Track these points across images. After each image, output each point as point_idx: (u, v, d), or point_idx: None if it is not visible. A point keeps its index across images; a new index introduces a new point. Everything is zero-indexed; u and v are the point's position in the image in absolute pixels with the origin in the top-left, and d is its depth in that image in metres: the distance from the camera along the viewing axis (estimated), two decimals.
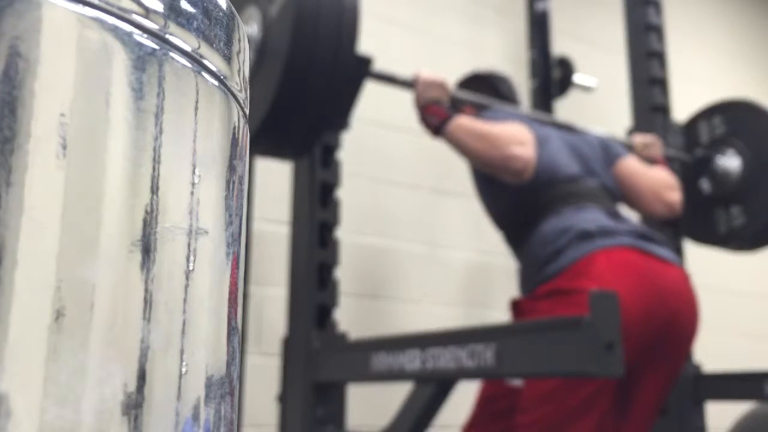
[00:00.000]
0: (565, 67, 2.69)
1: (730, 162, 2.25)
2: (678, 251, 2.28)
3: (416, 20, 2.73)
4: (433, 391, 1.37)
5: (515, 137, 1.67)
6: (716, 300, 3.24)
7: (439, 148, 2.69)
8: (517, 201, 1.75)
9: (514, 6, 2.94)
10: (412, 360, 1.38)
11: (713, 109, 2.36)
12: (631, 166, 1.87)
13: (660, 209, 1.87)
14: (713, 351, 2.62)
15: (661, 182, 1.88)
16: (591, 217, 1.64)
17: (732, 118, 2.30)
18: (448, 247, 2.60)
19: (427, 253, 2.55)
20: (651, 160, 1.99)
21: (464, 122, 1.69)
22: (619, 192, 1.85)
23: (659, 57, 2.40)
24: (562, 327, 1.15)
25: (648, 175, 1.88)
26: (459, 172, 2.71)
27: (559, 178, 1.72)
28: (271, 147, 1.69)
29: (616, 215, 1.70)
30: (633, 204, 1.90)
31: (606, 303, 1.12)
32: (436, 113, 1.70)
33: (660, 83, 2.35)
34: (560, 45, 2.86)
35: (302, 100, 1.50)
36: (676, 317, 1.58)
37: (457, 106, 1.84)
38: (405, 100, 2.62)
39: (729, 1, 3.92)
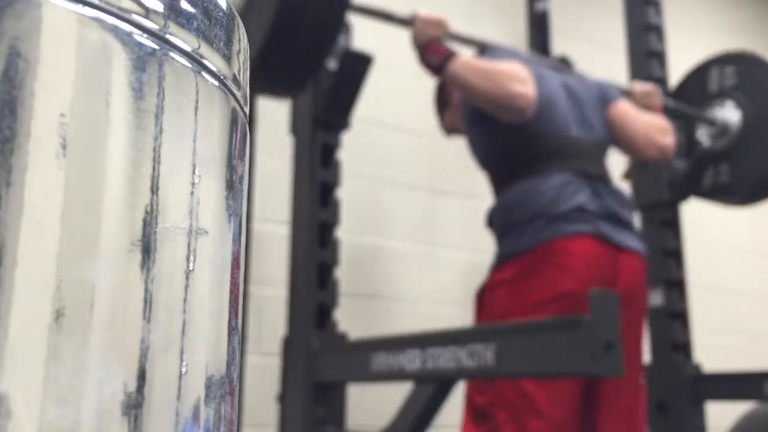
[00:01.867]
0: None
1: (731, 115, 2.21)
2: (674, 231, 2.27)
3: None
4: (433, 391, 1.37)
5: (517, 75, 1.65)
6: (716, 300, 3.24)
7: (439, 148, 2.69)
8: (506, 146, 1.73)
9: (514, 6, 2.94)
10: (412, 360, 1.38)
11: (727, 57, 2.30)
12: (624, 109, 1.86)
13: (652, 152, 1.86)
14: (713, 351, 2.62)
15: (654, 126, 1.86)
16: (568, 189, 1.63)
17: (744, 71, 2.24)
18: (447, 247, 2.60)
19: (427, 253, 2.55)
20: (650, 110, 1.98)
21: (467, 60, 1.67)
22: (610, 140, 1.84)
23: (659, 57, 2.40)
24: (562, 327, 1.15)
25: (641, 118, 1.86)
26: (459, 172, 2.71)
27: (551, 128, 1.71)
28: (267, 83, 1.66)
29: (598, 185, 1.68)
30: (625, 148, 1.89)
31: (606, 303, 1.12)
32: (437, 52, 1.67)
33: (660, 83, 2.35)
34: (560, 45, 2.86)
35: (297, 30, 1.49)
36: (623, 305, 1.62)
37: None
38: (405, 100, 2.62)
39: (729, 1, 3.92)
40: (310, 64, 1.60)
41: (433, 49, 1.67)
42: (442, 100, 2.03)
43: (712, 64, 2.34)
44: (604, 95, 1.86)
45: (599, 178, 1.70)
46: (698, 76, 2.36)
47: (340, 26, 1.60)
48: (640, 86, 2.04)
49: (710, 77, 2.32)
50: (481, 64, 1.67)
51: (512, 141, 1.71)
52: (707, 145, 2.25)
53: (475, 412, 1.59)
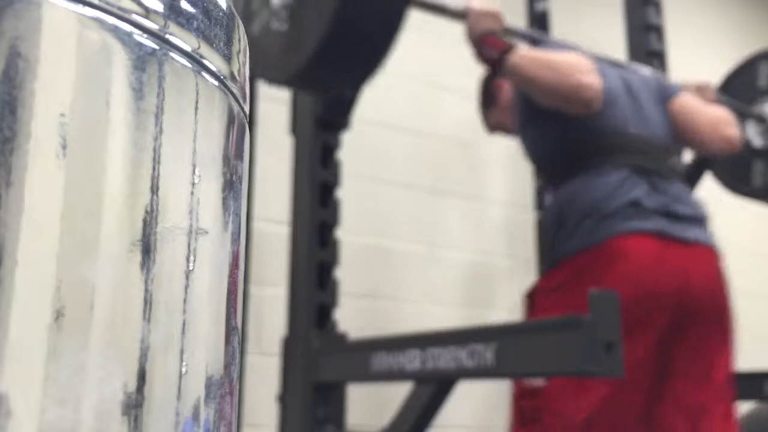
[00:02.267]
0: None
1: None
2: None
3: (415, 19, 2.73)
4: (433, 391, 1.37)
5: (582, 65, 1.58)
6: None
7: (439, 148, 2.69)
8: (562, 143, 1.66)
9: (514, 6, 2.94)
10: (412, 360, 1.38)
11: None
12: (688, 102, 1.79)
13: (719, 145, 1.77)
14: None
15: (719, 118, 1.79)
16: (624, 185, 1.54)
17: None
18: (447, 247, 2.60)
19: (427, 253, 2.55)
20: None
21: (527, 52, 1.60)
22: (672, 136, 1.75)
23: (659, 57, 2.40)
24: (562, 327, 1.15)
25: (705, 111, 1.79)
26: (459, 172, 2.71)
27: (610, 124, 1.63)
28: (326, 77, 1.59)
29: (657, 181, 1.59)
30: (690, 142, 1.82)
31: (606, 303, 1.12)
32: (494, 44, 1.58)
33: None
34: None
35: (359, 25, 1.42)
36: (699, 305, 1.51)
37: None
38: (405, 100, 2.62)
39: (729, 1, 3.92)
40: (373, 61, 1.52)
41: (489, 42, 1.59)
42: (488, 97, 1.96)
43: (760, 59, 2.29)
44: (664, 90, 1.79)
45: (658, 174, 1.61)
46: (745, 71, 2.30)
47: (402, 19, 1.53)
48: (694, 82, 1.98)
49: (759, 73, 2.27)
50: (543, 56, 1.60)
51: (569, 138, 1.65)
52: (757, 143, 2.20)
53: (523, 416, 1.53)
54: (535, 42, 1.80)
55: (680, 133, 1.77)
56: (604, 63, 1.76)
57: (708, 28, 3.74)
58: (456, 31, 2.01)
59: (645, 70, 1.87)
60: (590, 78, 1.57)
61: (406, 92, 2.61)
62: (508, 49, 1.57)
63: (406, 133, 2.58)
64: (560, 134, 1.66)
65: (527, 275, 2.71)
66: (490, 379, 2.29)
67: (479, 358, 1.25)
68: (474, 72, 2.81)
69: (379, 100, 2.45)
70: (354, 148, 2.15)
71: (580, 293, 1.49)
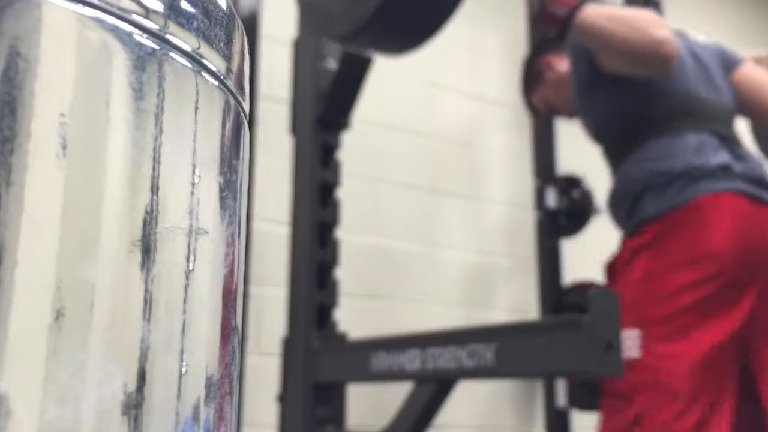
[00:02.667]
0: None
1: None
2: None
3: None
4: (433, 391, 1.37)
5: (657, 20, 1.49)
6: None
7: (439, 148, 2.69)
8: (631, 107, 1.57)
9: (514, 6, 2.94)
10: (412, 360, 1.38)
11: None
12: (753, 73, 1.71)
13: None
14: None
15: None
16: (706, 149, 1.49)
17: None
18: (448, 247, 2.60)
19: (427, 253, 2.55)
20: None
21: (599, 8, 1.50)
22: (737, 106, 1.68)
23: None
24: (562, 327, 1.15)
25: None
26: (459, 172, 2.71)
27: (680, 87, 1.56)
28: (387, 36, 1.52)
29: (734, 147, 1.54)
30: (755, 114, 1.74)
31: (606, 303, 1.12)
32: (562, 1, 1.50)
33: None
34: None
35: None
36: None
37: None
38: (405, 100, 2.62)
39: (729, 1, 3.92)
40: (439, 16, 1.45)
41: None
42: (533, 76, 1.90)
43: None
44: (728, 59, 1.72)
45: (734, 142, 1.55)
46: None
47: None
48: (753, 52, 1.89)
49: None
50: (617, 11, 1.51)
51: (639, 100, 1.57)
52: None
53: (613, 402, 1.46)
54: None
55: (744, 103, 1.69)
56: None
57: (708, 28, 3.74)
58: (456, 32, 2.01)
59: (704, 38, 1.79)
60: (667, 32, 1.48)
61: (406, 92, 2.61)
62: (577, 4, 1.49)
63: (406, 133, 2.58)
64: (629, 99, 1.58)
65: (527, 275, 2.71)
66: (490, 379, 2.29)
67: (479, 358, 1.25)
68: (474, 72, 2.81)
69: (379, 100, 2.45)
70: (354, 148, 2.15)
71: (670, 249, 1.42)
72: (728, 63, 1.70)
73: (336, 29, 1.54)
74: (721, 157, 1.48)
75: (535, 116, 1.94)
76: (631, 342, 1.41)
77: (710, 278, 1.40)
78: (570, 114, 1.89)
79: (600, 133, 1.69)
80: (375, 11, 1.39)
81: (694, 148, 1.49)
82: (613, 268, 1.57)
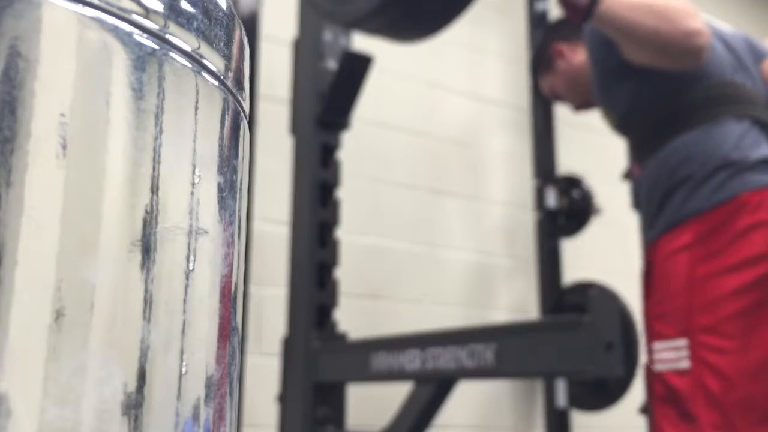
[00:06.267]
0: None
1: None
2: None
3: None
4: (433, 391, 1.37)
5: (687, 9, 1.38)
6: None
7: (439, 148, 2.69)
8: (661, 93, 1.47)
9: (514, 6, 2.94)
10: (412, 360, 1.38)
11: None
12: None
13: None
14: None
15: None
16: (747, 140, 1.40)
17: None
18: (447, 247, 2.60)
19: (427, 253, 2.55)
20: None
21: None
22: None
23: None
24: (562, 327, 1.15)
25: None
26: (459, 172, 2.71)
27: (714, 71, 1.46)
28: (400, 21, 1.45)
29: None
30: None
31: (606, 303, 1.12)
32: None
33: None
34: None
35: None
36: None
37: None
38: (405, 100, 2.62)
39: (729, 1, 3.92)
40: (453, 9, 1.38)
41: None
42: (543, 64, 1.83)
43: None
44: (756, 49, 1.60)
45: None
46: None
47: None
48: None
49: None
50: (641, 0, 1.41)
51: (670, 89, 1.47)
52: None
53: (676, 408, 1.35)
54: None
55: None
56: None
57: None
58: (456, 32, 2.01)
59: (729, 27, 1.69)
60: (700, 23, 1.38)
61: (406, 92, 2.61)
62: None
63: (406, 133, 2.58)
64: (659, 88, 1.48)
65: (527, 275, 2.71)
66: (490, 379, 2.29)
67: (479, 358, 1.25)
68: (474, 72, 2.81)
69: (379, 100, 2.45)
70: (354, 148, 2.15)
71: (716, 251, 1.33)
72: (757, 52, 1.61)
73: (341, 14, 1.50)
74: (764, 149, 1.40)
75: (551, 98, 1.88)
76: (679, 353, 1.33)
77: (756, 283, 1.32)
78: (578, 106, 1.81)
79: (626, 125, 1.59)
80: None
81: (736, 139, 1.40)
82: (649, 272, 1.46)
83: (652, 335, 1.36)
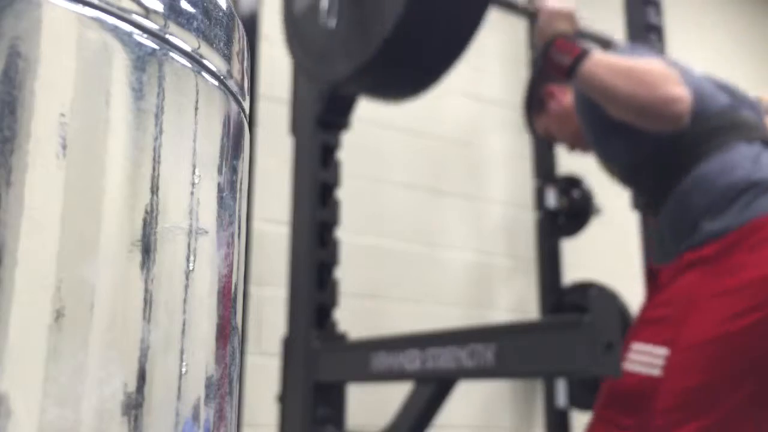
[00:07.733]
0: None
1: None
2: None
3: None
4: (433, 391, 1.37)
5: (667, 75, 1.39)
6: None
7: (439, 148, 2.69)
8: (661, 143, 1.46)
9: (514, 6, 2.94)
10: (412, 360, 1.38)
11: None
12: None
13: None
14: None
15: None
16: (764, 161, 1.37)
17: None
18: (447, 247, 2.60)
19: (427, 253, 2.55)
20: None
21: (604, 58, 1.41)
22: None
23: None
24: (562, 327, 1.15)
25: None
26: (459, 172, 2.71)
27: (712, 108, 1.45)
28: (388, 82, 1.44)
29: None
30: None
31: (606, 303, 1.12)
32: (567, 50, 1.42)
33: None
34: None
35: (433, 21, 1.27)
36: None
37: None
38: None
39: (729, 1, 3.92)
40: (445, 63, 1.36)
41: (561, 46, 1.44)
42: (535, 103, 1.83)
43: None
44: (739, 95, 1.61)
45: None
46: None
47: (484, 12, 1.34)
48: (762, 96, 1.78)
49: None
50: (623, 63, 1.42)
51: (670, 133, 1.45)
52: None
53: (616, 414, 1.32)
54: (607, 46, 1.61)
55: None
56: (681, 64, 1.58)
57: (708, 28, 3.74)
58: None
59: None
60: (680, 90, 1.39)
61: None
62: (582, 54, 1.41)
63: (406, 133, 2.58)
64: (658, 137, 1.47)
65: (527, 275, 2.71)
66: (490, 379, 2.29)
67: (479, 358, 1.25)
68: (474, 72, 2.81)
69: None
70: (354, 148, 2.15)
71: (725, 270, 1.29)
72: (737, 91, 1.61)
73: (333, 71, 1.46)
74: None
75: (535, 137, 1.87)
76: (655, 359, 1.31)
77: (756, 307, 1.28)
78: (571, 146, 1.81)
79: (631, 175, 1.57)
80: (379, 49, 1.31)
81: (751, 160, 1.39)
82: (656, 276, 1.45)
83: (635, 335, 1.35)
